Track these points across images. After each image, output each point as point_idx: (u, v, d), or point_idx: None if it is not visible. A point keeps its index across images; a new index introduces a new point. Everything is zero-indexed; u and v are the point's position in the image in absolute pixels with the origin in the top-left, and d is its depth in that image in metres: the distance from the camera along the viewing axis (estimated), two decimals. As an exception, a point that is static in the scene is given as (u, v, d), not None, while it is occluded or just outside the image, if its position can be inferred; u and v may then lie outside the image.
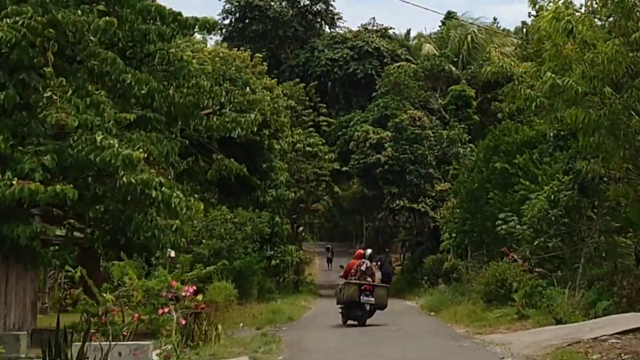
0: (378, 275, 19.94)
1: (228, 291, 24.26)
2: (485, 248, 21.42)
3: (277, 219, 29.93)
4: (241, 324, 19.13)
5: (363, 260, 19.28)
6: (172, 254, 15.04)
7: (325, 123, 35.49)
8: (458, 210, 22.26)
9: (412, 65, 36.63)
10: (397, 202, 30.43)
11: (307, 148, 32.58)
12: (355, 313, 18.32)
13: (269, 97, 21.54)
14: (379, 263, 36.03)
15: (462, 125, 32.64)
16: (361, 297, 18.06)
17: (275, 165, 22.27)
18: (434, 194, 30.16)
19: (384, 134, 32.52)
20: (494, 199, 19.95)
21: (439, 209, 29.35)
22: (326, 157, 33.35)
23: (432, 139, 32.58)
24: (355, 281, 18.52)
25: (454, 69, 36.70)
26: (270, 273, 30.98)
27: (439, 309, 21.16)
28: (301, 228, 38.31)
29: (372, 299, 18.12)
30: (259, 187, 20.38)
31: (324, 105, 37.27)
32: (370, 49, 42.71)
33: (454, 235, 23.10)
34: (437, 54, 37.78)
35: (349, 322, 18.49)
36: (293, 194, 30.75)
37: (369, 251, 20.13)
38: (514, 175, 20.03)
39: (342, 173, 34.14)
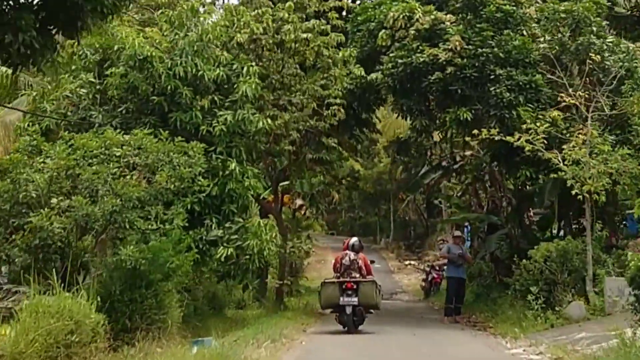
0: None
1: (71, 318, 9.49)
2: None
3: (232, 165, 14.98)
4: None
5: (346, 252, 15.99)
6: None
7: (335, 14, 19.83)
8: None
9: None
10: (474, 132, 15.00)
11: (304, 36, 17.43)
12: (342, 318, 15.41)
13: None
14: (437, 268, 25.00)
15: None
16: (341, 298, 15.19)
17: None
18: (543, 123, 14.83)
19: (442, 15, 17.23)
20: None
21: (566, 149, 14.15)
22: (338, 55, 18.10)
23: (535, 23, 17.29)
24: (332, 279, 15.75)
25: None
26: (222, 273, 15.99)
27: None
28: (286, 195, 22.57)
29: (355, 299, 15.14)
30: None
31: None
32: None
33: None
34: None
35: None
36: (269, 122, 15.66)
37: (353, 239, 16.63)
38: None
39: (370, 92, 18.70)
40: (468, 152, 22.48)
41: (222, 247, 14.56)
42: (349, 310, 15.09)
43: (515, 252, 20.11)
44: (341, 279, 15.52)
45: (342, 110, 18.73)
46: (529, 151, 14.73)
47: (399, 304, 24.75)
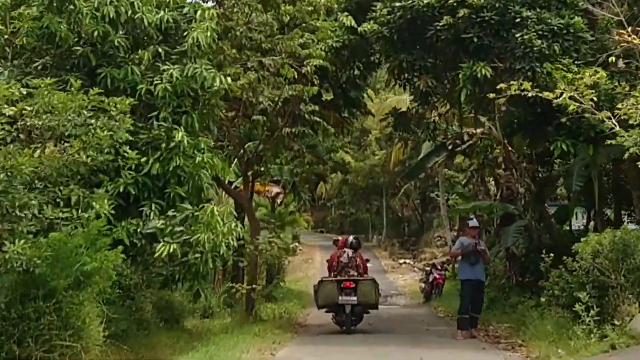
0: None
1: None
2: None
3: (179, 135, 11.19)
4: None
5: (344, 249, 15.65)
6: None
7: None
8: None
9: None
10: (501, 86, 11.27)
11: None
12: (339, 318, 15.23)
13: None
14: (439, 267, 24.00)
15: None
16: (340, 297, 14.83)
17: None
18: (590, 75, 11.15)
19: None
20: None
21: (624, 107, 10.49)
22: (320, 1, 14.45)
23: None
24: (330, 278, 15.37)
25: None
26: (164, 277, 12.25)
27: None
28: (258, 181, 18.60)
29: (354, 298, 14.87)
30: None
31: None
32: None
33: None
34: None
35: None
36: (229, 81, 11.93)
37: (351, 237, 16.37)
38: None
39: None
40: (478, 130, 18.84)
41: (163, 242, 10.85)
42: (348, 309, 14.84)
43: (535, 247, 16.63)
44: (339, 278, 15.16)
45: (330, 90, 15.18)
46: (572, 112, 11.05)
47: (395, 310, 21.07)
